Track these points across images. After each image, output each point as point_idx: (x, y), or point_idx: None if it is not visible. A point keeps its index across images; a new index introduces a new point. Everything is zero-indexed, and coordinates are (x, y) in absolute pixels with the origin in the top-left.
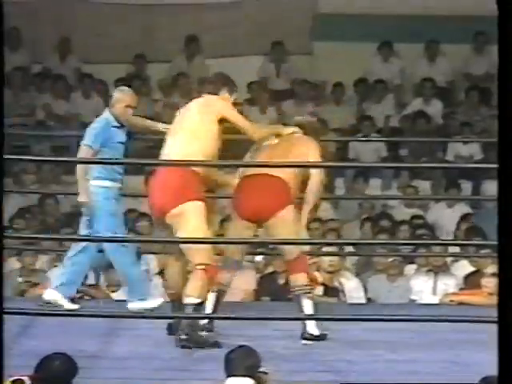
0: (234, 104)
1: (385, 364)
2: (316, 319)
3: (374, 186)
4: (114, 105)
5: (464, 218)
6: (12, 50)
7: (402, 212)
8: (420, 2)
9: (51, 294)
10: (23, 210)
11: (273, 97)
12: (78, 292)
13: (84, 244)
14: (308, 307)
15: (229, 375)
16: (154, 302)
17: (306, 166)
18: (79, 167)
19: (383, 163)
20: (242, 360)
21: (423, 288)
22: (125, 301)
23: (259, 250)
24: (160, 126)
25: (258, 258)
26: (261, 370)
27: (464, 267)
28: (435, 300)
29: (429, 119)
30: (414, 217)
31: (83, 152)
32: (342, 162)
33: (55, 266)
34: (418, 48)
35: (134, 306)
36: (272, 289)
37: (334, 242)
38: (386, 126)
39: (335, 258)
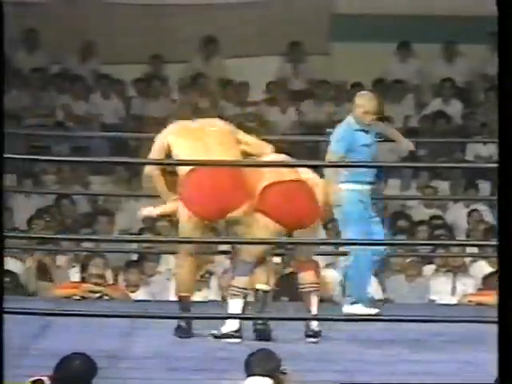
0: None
1: (401, 364)
2: (331, 320)
3: (393, 186)
4: (354, 109)
5: (472, 212)
6: (30, 51)
7: (420, 212)
8: (438, 3)
9: (351, 310)
10: (41, 210)
11: (291, 97)
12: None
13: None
14: (315, 304)
15: (248, 375)
16: (369, 310)
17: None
18: (331, 170)
19: (402, 163)
20: (262, 363)
21: (442, 288)
22: (143, 301)
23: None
24: (400, 138)
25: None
26: (280, 369)
27: (482, 268)
28: (454, 300)
29: (448, 119)
30: (432, 217)
31: (330, 157)
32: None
33: (73, 267)
34: (436, 48)
35: (349, 309)
36: (290, 289)
37: (350, 242)
38: (405, 126)
39: None
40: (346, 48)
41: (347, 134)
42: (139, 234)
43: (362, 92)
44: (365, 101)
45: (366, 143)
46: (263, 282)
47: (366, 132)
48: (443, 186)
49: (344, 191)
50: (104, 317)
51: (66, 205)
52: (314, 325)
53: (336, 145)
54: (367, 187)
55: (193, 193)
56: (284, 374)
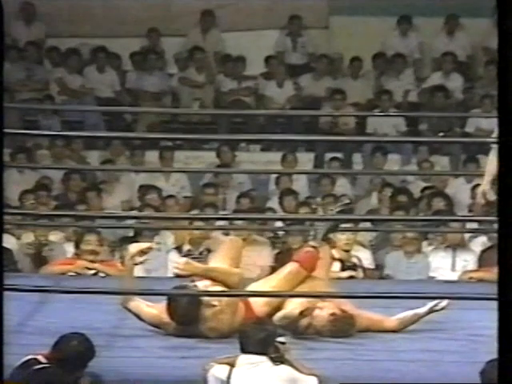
0: None
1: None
2: (334, 297)
3: (393, 161)
4: None
5: (477, 187)
6: (26, 24)
7: (420, 187)
8: None
9: None
10: (36, 185)
11: (289, 71)
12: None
13: None
14: None
15: (242, 352)
16: None
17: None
18: None
19: (401, 138)
20: (254, 335)
21: (442, 264)
22: (139, 277)
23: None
24: None
25: None
26: (278, 339)
27: (483, 243)
28: (454, 277)
29: (448, 93)
30: (430, 190)
31: None
32: (360, 137)
33: (68, 241)
34: (437, 22)
35: None
36: None
37: (351, 217)
38: (405, 100)
39: (351, 236)
40: (346, 22)
41: None
42: (136, 210)
43: None
44: None
45: None
46: None
47: None
48: (443, 161)
49: None
50: (101, 294)
51: (61, 180)
52: None
53: None
54: None
55: None
56: (282, 343)
